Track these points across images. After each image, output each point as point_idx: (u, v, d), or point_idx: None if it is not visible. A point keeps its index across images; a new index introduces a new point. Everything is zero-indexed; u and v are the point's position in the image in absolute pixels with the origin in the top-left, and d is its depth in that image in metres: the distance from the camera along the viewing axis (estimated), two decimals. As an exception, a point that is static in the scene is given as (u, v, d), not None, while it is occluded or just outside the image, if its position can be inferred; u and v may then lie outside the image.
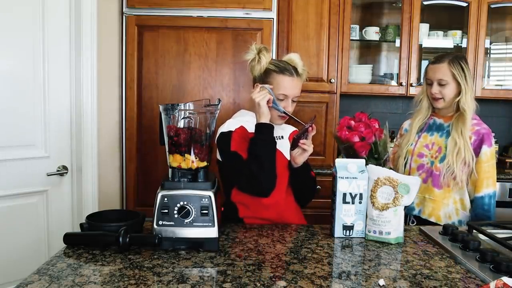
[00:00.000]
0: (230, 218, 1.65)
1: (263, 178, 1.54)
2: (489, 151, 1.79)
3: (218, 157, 1.69)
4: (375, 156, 1.60)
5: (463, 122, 1.79)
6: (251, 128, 1.65)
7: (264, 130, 1.58)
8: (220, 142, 1.65)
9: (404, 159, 1.92)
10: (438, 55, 1.91)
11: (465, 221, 1.82)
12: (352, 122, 1.67)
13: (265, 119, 1.58)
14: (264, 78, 1.66)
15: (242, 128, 1.66)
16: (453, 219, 1.82)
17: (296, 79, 1.66)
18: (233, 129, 1.65)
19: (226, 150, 1.62)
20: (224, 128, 1.67)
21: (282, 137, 1.78)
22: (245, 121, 1.70)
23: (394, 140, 2.17)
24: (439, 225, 1.72)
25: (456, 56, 1.85)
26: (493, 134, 3.06)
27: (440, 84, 1.83)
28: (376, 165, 1.54)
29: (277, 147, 1.65)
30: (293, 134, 1.85)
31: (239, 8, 2.61)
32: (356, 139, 1.63)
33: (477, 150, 1.79)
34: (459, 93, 1.82)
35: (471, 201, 1.83)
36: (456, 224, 1.79)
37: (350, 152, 1.64)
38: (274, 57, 2.66)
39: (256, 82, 1.68)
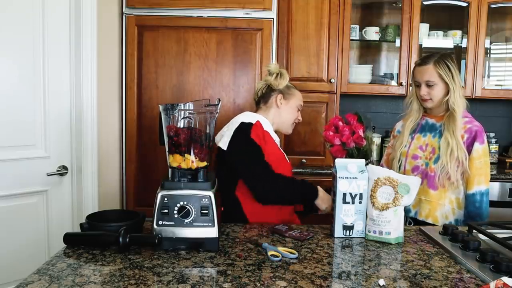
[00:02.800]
0: (233, 215, 1.68)
1: (273, 197, 1.69)
2: (481, 148, 1.78)
3: (222, 145, 1.72)
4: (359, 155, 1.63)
5: (454, 122, 1.79)
6: (265, 127, 1.79)
7: (311, 196, 1.72)
8: (240, 129, 1.71)
9: (399, 161, 1.92)
10: (423, 56, 1.91)
11: (461, 220, 1.82)
12: (340, 123, 1.72)
13: (322, 203, 1.72)
14: (287, 91, 1.88)
15: (259, 124, 1.76)
16: (449, 219, 1.81)
17: None
18: (253, 122, 1.75)
19: (246, 138, 1.69)
20: (245, 119, 1.76)
21: (280, 146, 1.91)
22: (261, 119, 1.80)
23: (387, 139, 2.18)
24: (437, 225, 1.72)
25: (442, 55, 1.84)
26: (492, 134, 3.05)
27: (428, 86, 1.82)
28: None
29: (282, 152, 1.87)
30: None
31: (239, 8, 2.61)
32: (337, 142, 1.69)
33: (469, 148, 1.78)
34: (447, 92, 1.81)
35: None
36: (452, 223, 1.79)
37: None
38: (274, 57, 2.67)
39: (278, 94, 1.86)
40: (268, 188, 1.66)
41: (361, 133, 1.68)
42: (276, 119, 1.87)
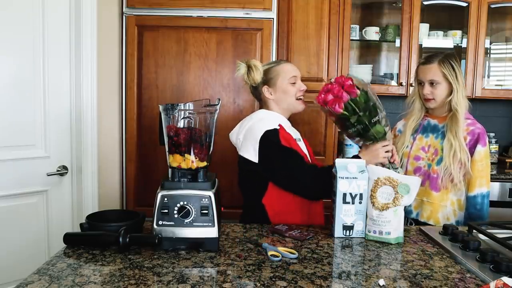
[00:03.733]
0: (258, 221, 1.65)
1: (325, 193, 1.59)
2: (483, 151, 1.78)
3: (248, 156, 1.67)
4: (360, 114, 1.58)
5: (456, 123, 1.78)
6: (286, 128, 1.72)
7: None
8: (267, 139, 1.64)
9: (400, 161, 1.91)
10: (427, 55, 1.90)
11: (462, 222, 1.81)
12: (330, 85, 1.67)
13: (370, 163, 1.58)
14: (269, 77, 1.76)
15: (282, 127, 1.70)
16: (451, 220, 1.81)
17: (293, 64, 1.86)
18: (277, 127, 1.67)
19: (278, 146, 1.63)
20: (267, 126, 1.67)
21: (300, 139, 1.84)
22: (281, 120, 1.73)
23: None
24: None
25: (446, 55, 1.83)
26: (492, 135, 3.04)
27: (432, 85, 1.82)
28: (365, 123, 1.56)
29: (302, 149, 1.76)
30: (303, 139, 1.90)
31: (239, 8, 2.61)
32: (330, 97, 1.62)
33: (472, 150, 1.78)
34: (450, 92, 1.81)
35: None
36: (454, 224, 1.79)
37: (330, 113, 1.65)
38: (274, 57, 2.66)
39: (263, 86, 1.77)
40: (321, 187, 1.61)
41: (350, 82, 1.60)
42: (280, 108, 1.78)
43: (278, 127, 1.67)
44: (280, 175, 1.66)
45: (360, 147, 1.74)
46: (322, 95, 1.65)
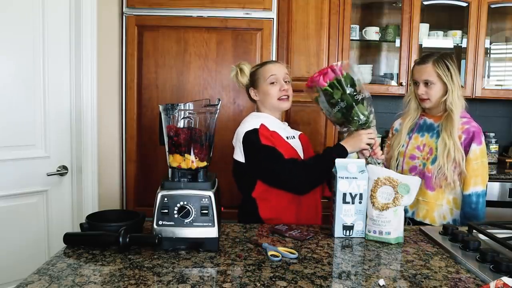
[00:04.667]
0: (249, 215, 1.70)
1: (310, 185, 1.68)
2: (479, 149, 1.78)
3: (237, 157, 1.74)
4: (344, 91, 1.62)
5: (451, 122, 1.78)
6: (271, 126, 1.73)
7: (344, 154, 1.65)
8: (248, 140, 1.69)
9: (396, 160, 1.92)
10: (423, 55, 1.90)
11: (459, 220, 1.81)
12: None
13: (353, 150, 1.67)
14: (254, 80, 1.81)
15: (263, 126, 1.72)
16: (447, 219, 1.81)
17: (279, 63, 1.86)
18: (257, 127, 1.70)
19: (257, 145, 1.67)
20: (247, 127, 1.71)
21: (294, 137, 1.85)
22: (263, 120, 1.75)
23: (386, 139, 2.17)
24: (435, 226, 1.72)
25: (442, 55, 1.83)
26: (492, 135, 3.04)
27: (426, 85, 1.82)
28: (349, 101, 1.61)
29: (293, 146, 1.77)
30: (301, 136, 1.90)
31: (239, 8, 2.61)
32: (316, 75, 1.69)
33: (467, 149, 1.78)
34: (446, 92, 1.81)
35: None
36: (450, 223, 1.79)
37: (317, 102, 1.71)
38: (274, 57, 2.66)
39: (249, 88, 1.84)
40: (303, 180, 1.65)
41: (336, 63, 1.67)
42: (266, 108, 1.81)
43: (258, 127, 1.70)
44: (261, 173, 1.70)
45: None
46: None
